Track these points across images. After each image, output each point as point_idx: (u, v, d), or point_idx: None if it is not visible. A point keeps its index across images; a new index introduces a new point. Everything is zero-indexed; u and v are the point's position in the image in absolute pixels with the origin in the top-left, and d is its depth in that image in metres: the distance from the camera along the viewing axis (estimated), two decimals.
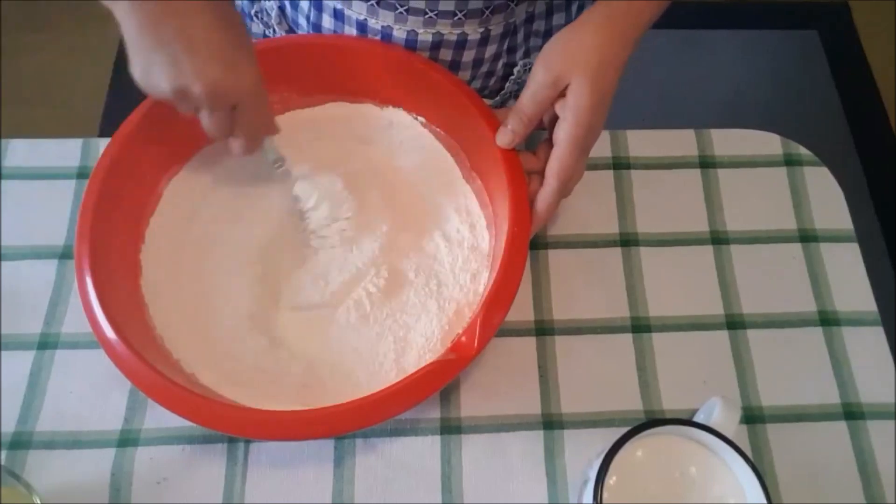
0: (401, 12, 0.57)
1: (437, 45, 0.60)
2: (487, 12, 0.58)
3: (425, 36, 0.59)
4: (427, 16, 0.57)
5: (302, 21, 0.64)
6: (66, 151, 0.62)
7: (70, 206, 0.60)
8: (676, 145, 0.65)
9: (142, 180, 0.55)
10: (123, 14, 0.43)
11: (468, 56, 0.61)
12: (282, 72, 0.59)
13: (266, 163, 0.56)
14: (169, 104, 0.47)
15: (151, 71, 0.44)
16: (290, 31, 0.67)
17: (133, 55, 0.45)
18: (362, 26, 0.59)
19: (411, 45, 0.59)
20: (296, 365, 0.52)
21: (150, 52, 0.44)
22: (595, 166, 0.63)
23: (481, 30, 0.59)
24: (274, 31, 0.67)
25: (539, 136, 0.56)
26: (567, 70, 0.50)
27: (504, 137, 0.53)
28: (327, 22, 0.61)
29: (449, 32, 0.59)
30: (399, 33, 0.59)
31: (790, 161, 0.65)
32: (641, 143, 0.65)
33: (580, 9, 0.65)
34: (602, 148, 0.64)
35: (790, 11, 1.76)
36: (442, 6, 0.57)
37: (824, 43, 1.72)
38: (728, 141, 0.65)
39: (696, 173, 0.64)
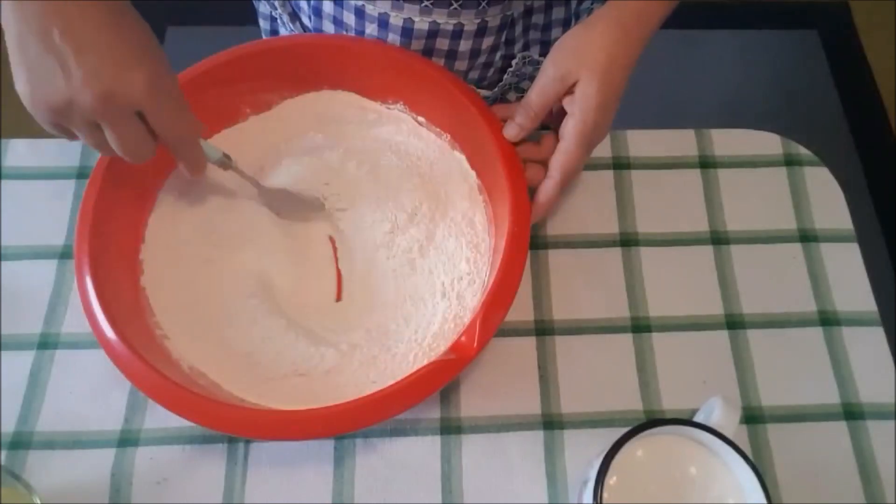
0: None
1: (433, 33, 0.60)
2: (484, 3, 0.58)
3: (421, 24, 0.59)
4: (423, 4, 0.57)
5: (304, 5, 0.64)
6: (66, 151, 0.62)
7: (70, 206, 0.60)
8: (676, 145, 0.65)
9: (142, 180, 0.55)
10: (6, 19, 0.39)
11: (465, 46, 0.62)
12: (282, 72, 0.59)
13: (214, 166, 0.53)
14: (64, 131, 0.42)
15: (38, 85, 0.39)
16: (293, 13, 0.67)
17: (17, 70, 0.40)
18: (360, 12, 0.59)
19: (408, 32, 0.59)
20: (298, 363, 0.52)
21: (36, 64, 0.39)
22: (595, 166, 0.63)
23: (478, 20, 0.59)
24: (279, 13, 0.68)
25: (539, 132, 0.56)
26: (576, 67, 0.51)
27: (511, 130, 0.54)
28: (327, 6, 0.62)
29: (445, 22, 0.59)
30: (395, 20, 0.59)
31: (790, 161, 0.65)
32: (641, 143, 0.65)
33: (580, 2, 0.66)
34: (602, 148, 0.64)
35: (790, 11, 1.76)
36: None
37: (824, 43, 1.72)
38: (728, 141, 0.65)
39: (696, 173, 0.64)
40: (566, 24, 0.66)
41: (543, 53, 0.67)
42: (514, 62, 0.67)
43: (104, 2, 0.40)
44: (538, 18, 0.64)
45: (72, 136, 0.44)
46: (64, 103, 0.39)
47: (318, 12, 0.63)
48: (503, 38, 0.64)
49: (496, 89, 0.70)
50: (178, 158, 0.49)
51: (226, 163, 0.54)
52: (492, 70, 0.67)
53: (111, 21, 0.40)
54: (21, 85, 0.40)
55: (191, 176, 0.51)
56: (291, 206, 0.57)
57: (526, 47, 0.67)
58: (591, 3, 0.66)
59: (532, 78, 0.53)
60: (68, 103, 0.40)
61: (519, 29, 0.64)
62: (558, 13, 0.65)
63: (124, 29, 0.41)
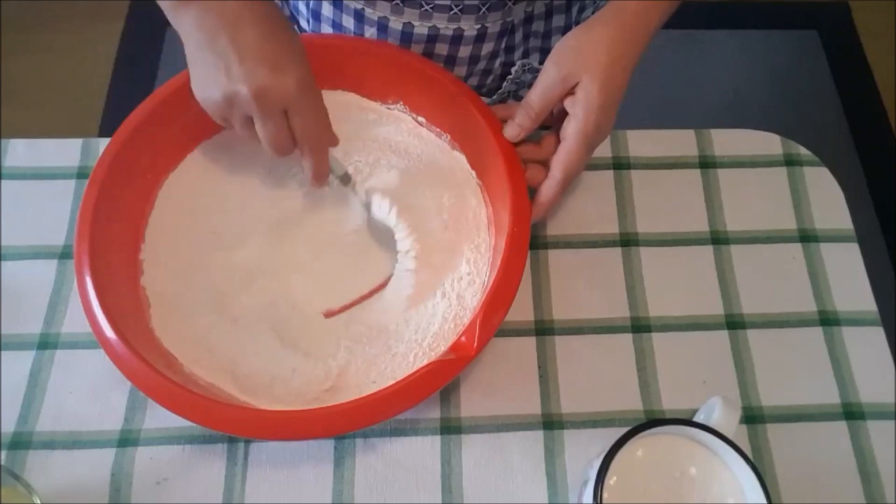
0: (397, 3, 0.57)
1: (432, 38, 0.60)
2: (484, 9, 0.58)
3: (421, 29, 0.59)
4: (423, 9, 0.57)
5: (302, 8, 0.64)
6: (66, 151, 0.62)
7: (70, 206, 0.60)
8: (676, 145, 0.65)
9: (142, 180, 0.55)
10: (189, 31, 0.47)
11: (464, 52, 0.62)
12: None
13: (332, 181, 0.56)
14: (227, 122, 0.49)
15: (207, 82, 0.47)
16: (292, 17, 0.67)
17: (193, 71, 0.48)
18: (359, 16, 0.59)
19: (407, 37, 0.59)
20: (298, 364, 0.52)
21: (207, 66, 0.47)
22: (595, 166, 0.63)
23: (478, 26, 0.59)
24: None
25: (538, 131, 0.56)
26: (577, 68, 0.51)
27: (511, 131, 0.55)
28: (326, 10, 0.61)
29: (445, 27, 0.59)
30: (395, 25, 0.59)
31: (790, 161, 0.65)
32: (641, 143, 0.65)
33: (581, 10, 0.65)
34: (602, 148, 0.64)
35: (790, 11, 1.76)
36: (438, 0, 0.57)
37: (824, 43, 1.72)
38: (728, 141, 0.65)
39: (696, 173, 0.64)
40: (566, 32, 0.65)
41: (543, 61, 0.67)
42: (513, 70, 0.67)
43: (266, 18, 0.47)
44: (538, 26, 0.64)
45: (232, 127, 0.50)
46: (225, 98, 0.47)
47: (316, 16, 0.63)
48: (503, 45, 0.64)
49: (495, 97, 0.70)
50: (306, 162, 0.52)
51: (347, 179, 0.56)
52: (491, 77, 0.67)
53: (270, 32, 0.47)
54: (194, 82, 0.48)
55: (312, 182, 0.53)
56: None
57: (526, 55, 0.67)
58: (592, 12, 0.66)
59: (532, 86, 0.54)
60: (228, 98, 0.47)
61: (519, 36, 0.64)
62: (559, 21, 0.65)
63: (280, 39, 0.47)
